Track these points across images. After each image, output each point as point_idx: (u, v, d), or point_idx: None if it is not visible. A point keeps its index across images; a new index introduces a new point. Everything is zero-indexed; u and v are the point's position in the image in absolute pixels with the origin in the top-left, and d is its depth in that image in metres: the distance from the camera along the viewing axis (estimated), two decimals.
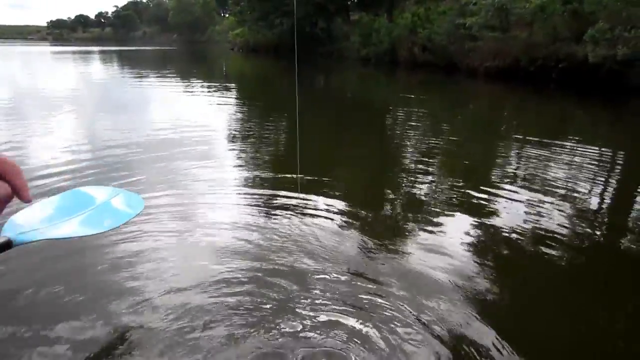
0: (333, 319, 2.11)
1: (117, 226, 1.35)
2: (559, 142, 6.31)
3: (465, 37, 17.27)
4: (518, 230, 3.19)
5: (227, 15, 62.17)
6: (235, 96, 11.06)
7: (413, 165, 5.08)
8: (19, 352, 1.83)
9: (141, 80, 14.27)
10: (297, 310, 2.16)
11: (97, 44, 59.28)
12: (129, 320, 2.04)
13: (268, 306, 2.19)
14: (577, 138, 6.84)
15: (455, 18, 17.57)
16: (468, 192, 4.06)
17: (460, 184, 4.33)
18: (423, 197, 3.94)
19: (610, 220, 3.65)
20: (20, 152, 4.99)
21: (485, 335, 2.03)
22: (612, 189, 4.55)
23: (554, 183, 4.37)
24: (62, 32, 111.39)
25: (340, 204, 3.63)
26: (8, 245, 0.94)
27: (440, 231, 3.18)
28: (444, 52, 17.94)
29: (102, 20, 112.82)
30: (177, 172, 4.39)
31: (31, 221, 1.09)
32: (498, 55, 16.15)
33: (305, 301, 2.23)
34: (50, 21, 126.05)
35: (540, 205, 3.74)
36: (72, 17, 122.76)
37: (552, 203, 3.79)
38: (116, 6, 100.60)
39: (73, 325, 2.00)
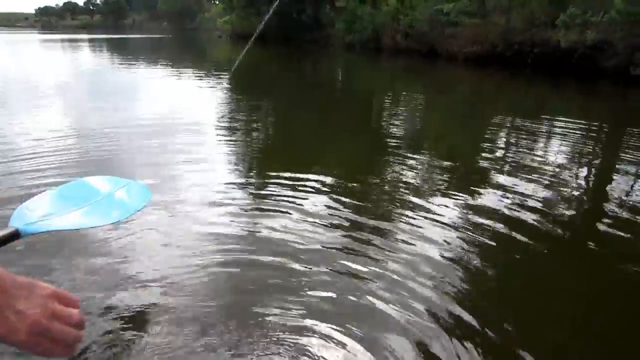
0: (323, 308, 2.08)
1: (125, 217, 1.31)
2: (535, 125, 6.73)
3: (445, 24, 17.57)
4: (501, 212, 3.23)
5: (216, 2, 61.59)
6: (223, 84, 11.24)
7: (399, 150, 5.13)
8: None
9: (130, 69, 14.34)
10: (285, 300, 2.12)
11: (86, 32, 58.41)
12: (108, 320, 1.98)
13: (253, 297, 2.15)
14: (551, 120, 7.22)
15: (436, 4, 17.83)
16: (454, 175, 4.20)
17: (446, 167, 4.45)
18: (409, 181, 3.94)
19: (587, 198, 3.86)
20: (5, 142, 4.82)
21: (472, 319, 2.02)
22: (588, 166, 4.83)
23: (533, 163, 4.61)
24: (50, 19, 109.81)
25: (327, 187, 3.65)
26: (16, 235, 0.94)
27: (427, 216, 3.14)
28: (425, 39, 18.23)
29: (91, 7, 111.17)
30: (162, 161, 4.31)
31: (39, 212, 1.09)
32: (476, 41, 16.47)
33: (294, 290, 2.20)
34: (39, 8, 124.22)
35: (523, 185, 3.87)
36: (61, 4, 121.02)
37: (534, 182, 3.94)
38: None
39: None
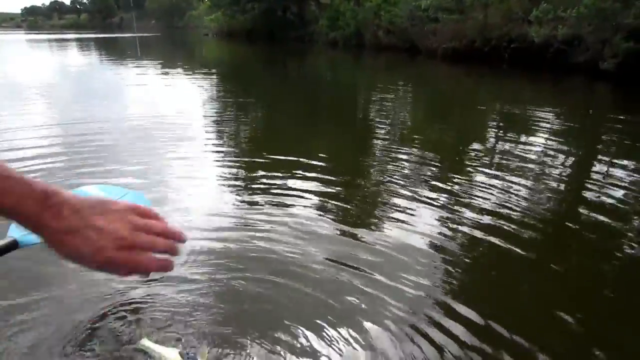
0: (314, 296, 2.11)
1: None
2: (511, 117, 7.10)
3: (425, 20, 17.76)
4: (488, 204, 3.30)
5: (205, 0, 61.26)
6: (211, 81, 11.34)
7: (385, 144, 5.28)
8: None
9: (116, 69, 14.31)
10: (275, 294, 2.13)
11: (73, 31, 57.82)
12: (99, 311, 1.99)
13: (240, 289, 2.17)
14: (525, 112, 7.53)
15: (416, 0, 18.01)
16: (435, 166, 4.35)
17: (427, 157, 4.60)
18: (395, 175, 4.01)
19: (565, 184, 4.06)
20: None
21: (462, 313, 2.04)
22: (564, 154, 5.04)
23: (514, 153, 4.85)
24: (36, 19, 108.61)
25: (314, 183, 3.71)
26: (14, 245, 0.92)
27: (414, 211, 3.18)
28: (405, 35, 18.41)
29: (78, 6, 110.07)
30: (153, 156, 4.40)
31: None
32: (455, 37, 16.68)
33: (285, 282, 2.22)
34: (25, 8, 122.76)
35: (505, 174, 4.04)
36: (47, 3, 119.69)
37: (515, 171, 4.15)
38: None
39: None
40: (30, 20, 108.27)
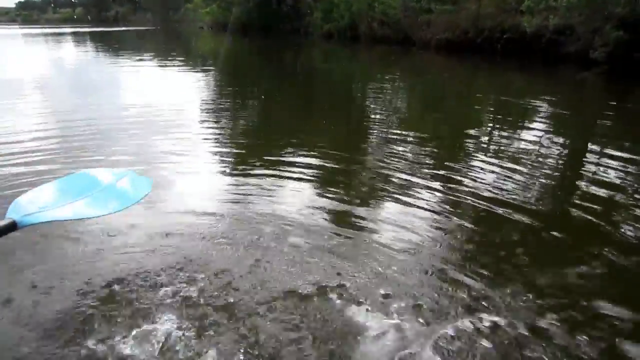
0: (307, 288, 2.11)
1: (124, 208, 1.26)
2: (506, 104, 7.25)
3: (419, 11, 17.78)
4: (482, 189, 3.37)
5: None
6: (207, 74, 11.36)
7: (382, 134, 5.34)
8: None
9: (116, 64, 14.27)
10: (267, 281, 2.13)
11: (69, 25, 57.36)
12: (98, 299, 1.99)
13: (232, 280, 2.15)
14: (516, 101, 7.69)
15: None
16: (430, 154, 4.43)
17: (422, 145, 4.72)
18: (393, 163, 4.04)
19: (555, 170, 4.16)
20: None
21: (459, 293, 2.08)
22: (553, 142, 5.07)
23: (506, 141, 5.04)
24: (31, 13, 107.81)
25: (311, 171, 3.74)
26: (13, 227, 0.93)
27: (410, 200, 3.20)
28: (399, 26, 18.42)
29: (73, 0, 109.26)
30: (148, 147, 4.43)
31: (36, 203, 1.07)
32: (448, 28, 16.71)
33: (279, 272, 2.22)
34: (19, 2, 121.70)
35: (498, 161, 4.12)
36: None
37: (508, 158, 4.22)
38: None
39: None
40: (24, 14, 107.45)
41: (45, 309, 1.90)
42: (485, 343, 1.78)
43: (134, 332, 1.76)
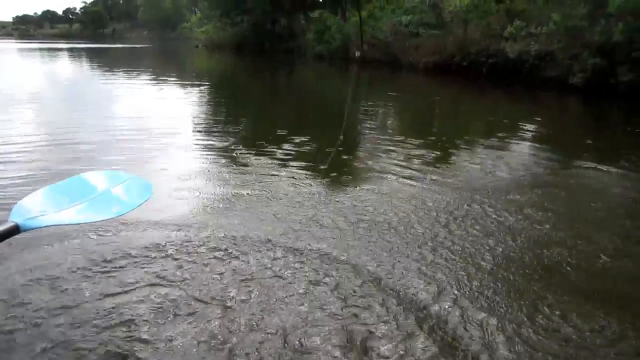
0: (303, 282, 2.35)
1: (126, 212, 1.25)
2: (490, 123, 7.82)
3: (407, 35, 18.34)
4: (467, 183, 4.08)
5: (196, 12, 61.82)
6: (202, 91, 11.62)
7: (369, 144, 6.03)
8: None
9: (110, 82, 14.41)
10: (262, 276, 2.34)
11: (65, 41, 57.64)
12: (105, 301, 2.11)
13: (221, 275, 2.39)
14: (504, 120, 8.41)
15: (399, 16, 18.60)
16: (420, 163, 4.96)
17: (412, 156, 5.21)
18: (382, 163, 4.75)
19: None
20: None
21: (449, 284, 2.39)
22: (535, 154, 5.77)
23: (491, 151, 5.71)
24: (28, 28, 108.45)
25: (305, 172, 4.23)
26: (15, 230, 0.92)
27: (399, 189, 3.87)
28: (389, 49, 18.96)
29: (70, 16, 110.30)
30: (142, 155, 4.73)
31: (39, 206, 1.06)
32: (436, 51, 17.23)
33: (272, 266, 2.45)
34: (16, 16, 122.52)
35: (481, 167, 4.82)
36: (39, 12, 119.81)
37: (490, 167, 4.89)
38: (84, 2, 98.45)
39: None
40: (21, 28, 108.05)
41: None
42: None
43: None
